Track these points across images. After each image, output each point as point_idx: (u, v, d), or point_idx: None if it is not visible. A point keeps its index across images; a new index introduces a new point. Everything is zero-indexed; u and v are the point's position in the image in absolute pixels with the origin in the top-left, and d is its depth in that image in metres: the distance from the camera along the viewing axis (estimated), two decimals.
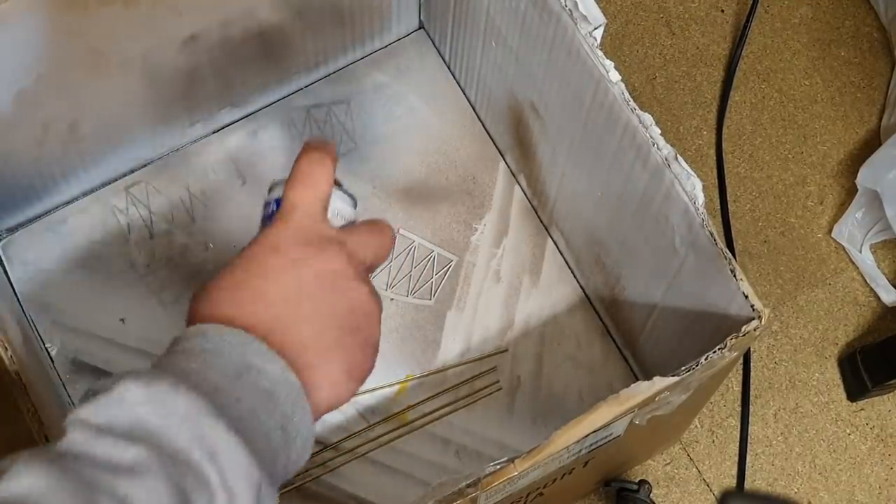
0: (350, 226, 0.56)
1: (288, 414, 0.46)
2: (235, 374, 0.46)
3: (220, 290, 0.49)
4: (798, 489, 0.90)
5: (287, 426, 0.46)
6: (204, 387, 0.44)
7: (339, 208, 0.55)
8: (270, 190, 0.56)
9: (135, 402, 0.43)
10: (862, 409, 0.93)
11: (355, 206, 0.57)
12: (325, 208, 0.53)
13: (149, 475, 0.41)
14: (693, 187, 0.64)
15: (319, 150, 0.54)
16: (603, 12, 0.75)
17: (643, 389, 0.59)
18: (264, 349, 0.46)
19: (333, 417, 0.81)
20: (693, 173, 0.65)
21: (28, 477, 0.39)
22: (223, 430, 0.43)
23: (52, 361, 0.81)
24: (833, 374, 0.94)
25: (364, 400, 0.82)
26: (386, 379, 0.83)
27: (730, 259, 0.63)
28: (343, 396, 0.50)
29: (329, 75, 0.92)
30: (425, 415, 0.82)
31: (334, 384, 0.49)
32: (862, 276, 0.97)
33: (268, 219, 0.55)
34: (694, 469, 0.90)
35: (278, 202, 0.54)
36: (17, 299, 0.83)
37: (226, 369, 0.46)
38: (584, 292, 0.86)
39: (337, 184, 0.55)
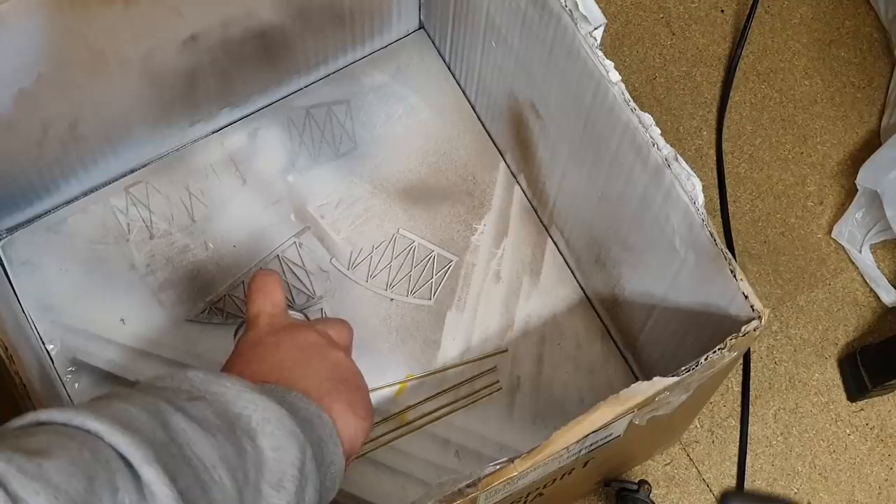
0: None
1: (324, 439, 0.54)
2: (277, 400, 0.52)
3: (234, 368, 0.58)
4: (798, 489, 0.90)
5: (323, 447, 0.53)
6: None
7: (296, 318, 0.66)
8: (238, 328, 0.70)
9: (198, 372, 0.51)
10: (862, 410, 0.93)
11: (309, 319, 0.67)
12: (285, 311, 0.63)
13: (204, 403, 0.49)
14: (693, 187, 0.64)
15: (269, 273, 0.64)
16: (603, 12, 0.75)
17: (643, 390, 0.59)
18: (301, 395, 0.55)
19: None
20: (693, 173, 0.65)
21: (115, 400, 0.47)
22: (272, 403, 0.51)
23: (52, 361, 0.81)
24: (833, 375, 0.94)
25: None
26: (386, 379, 0.83)
27: (730, 259, 0.63)
28: (350, 428, 0.57)
29: (329, 75, 0.92)
30: (425, 415, 0.82)
31: (343, 420, 0.56)
32: (862, 276, 0.97)
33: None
34: (694, 469, 0.90)
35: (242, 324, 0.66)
36: (17, 299, 0.83)
37: (269, 394, 0.53)
38: (584, 292, 0.86)
39: (289, 305, 0.65)
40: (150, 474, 0.43)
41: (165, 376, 0.52)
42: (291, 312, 0.66)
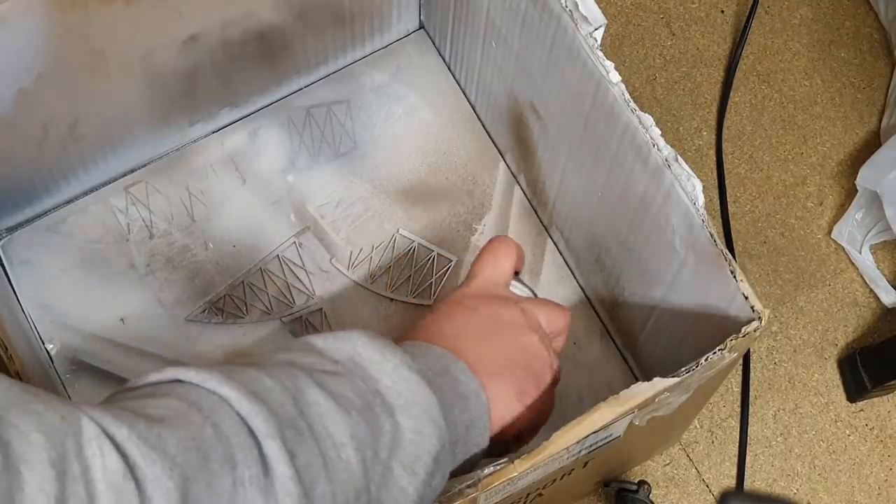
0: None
1: (474, 420, 0.53)
2: (437, 372, 0.53)
3: (418, 330, 0.58)
4: (797, 490, 0.90)
5: (470, 429, 0.53)
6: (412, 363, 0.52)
7: (520, 290, 0.65)
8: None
9: (359, 342, 0.51)
10: (861, 410, 0.93)
11: (535, 296, 0.65)
12: (506, 282, 0.62)
13: (344, 378, 0.48)
14: (693, 188, 0.64)
15: (506, 240, 0.64)
16: (603, 13, 0.75)
17: (643, 390, 0.59)
18: (466, 367, 0.54)
19: None
20: (693, 174, 0.65)
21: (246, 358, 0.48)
22: (424, 387, 0.50)
23: (52, 361, 0.81)
24: (833, 375, 0.94)
25: None
26: None
27: (730, 260, 0.63)
28: (507, 416, 0.56)
29: (329, 75, 0.92)
30: None
31: (502, 403, 0.56)
32: (862, 277, 0.97)
33: None
34: (693, 470, 0.90)
35: None
36: (17, 299, 0.83)
37: (431, 366, 0.53)
38: (584, 293, 0.86)
39: (517, 275, 0.64)
40: (272, 448, 0.43)
41: (310, 346, 0.51)
42: (516, 286, 0.64)
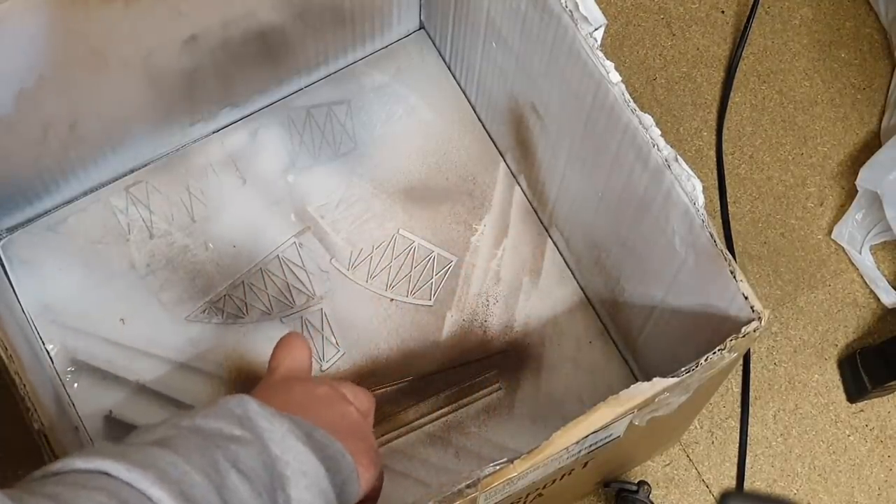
0: None
1: (347, 479, 0.54)
2: (307, 436, 0.53)
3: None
4: (797, 490, 0.90)
5: (344, 488, 0.54)
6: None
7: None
8: None
9: (250, 406, 0.52)
10: (861, 411, 0.93)
11: None
12: (306, 371, 0.63)
13: (252, 449, 0.50)
14: (693, 188, 0.64)
15: (299, 336, 0.64)
16: (603, 13, 0.75)
17: (643, 390, 0.59)
18: (323, 431, 0.55)
19: None
20: (693, 174, 0.65)
21: (161, 428, 0.49)
22: (311, 457, 0.52)
23: (52, 361, 0.81)
24: (833, 376, 0.94)
25: None
26: (386, 380, 0.83)
27: (730, 260, 0.63)
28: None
29: (329, 75, 0.92)
30: (425, 415, 0.82)
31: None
32: (862, 277, 0.97)
33: None
34: (693, 470, 0.90)
35: None
36: (17, 299, 0.83)
37: (301, 427, 0.54)
38: (584, 293, 0.86)
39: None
40: None
41: (213, 409, 0.52)
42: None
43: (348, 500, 0.55)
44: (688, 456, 0.90)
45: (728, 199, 0.99)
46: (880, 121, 1.03)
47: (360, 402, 0.62)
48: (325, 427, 0.56)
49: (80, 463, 0.46)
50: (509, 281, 0.86)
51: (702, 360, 0.60)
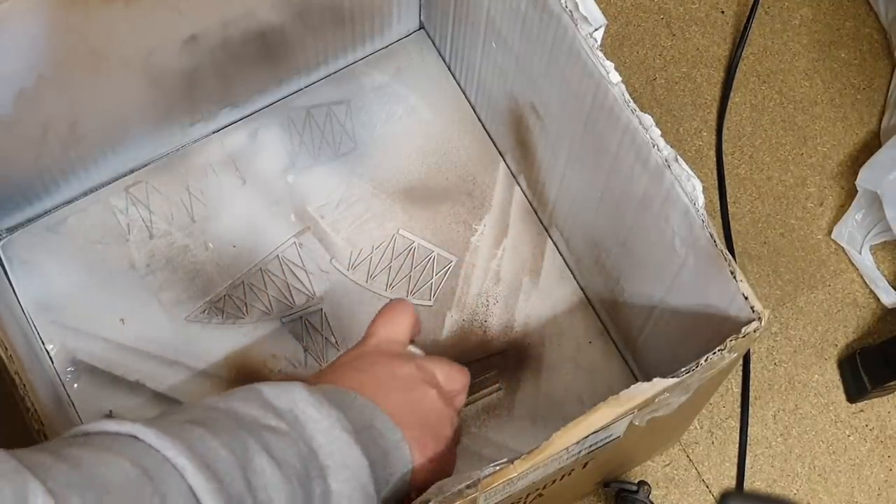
0: None
1: (395, 473, 0.55)
2: (364, 425, 0.54)
3: (325, 376, 0.59)
4: (797, 490, 0.90)
5: (390, 482, 0.54)
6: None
7: (414, 352, 0.65)
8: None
9: (299, 396, 0.52)
10: (861, 411, 0.93)
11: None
12: (402, 343, 0.63)
13: (287, 438, 0.50)
14: (693, 188, 0.64)
15: (405, 303, 0.65)
16: (603, 13, 0.75)
17: (643, 391, 0.59)
18: (389, 420, 0.55)
19: None
20: (693, 174, 0.65)
21: (196, 409, 0.50)
22: (356, 450, 0.52)
23: (52, 361, 0.81)
24: (833, 376, 0.94)
25: None
26: None
27: (730, 260, 0.63)
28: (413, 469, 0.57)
29: (329, 75, 0.92)
30: None
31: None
32: (862, 277, 0.97)
33: None
34: (693, 470, 0.90)
35: None
36: (17, 299, 0.83)
37: (357, 418, 0.54)
38: (584, 293, 0.86)
39: (412, 342, 0.65)
40: None
41: (252, 396, 0.52)
42: (412, 348, 0.65)
43: (397, 490, 0.54)
44: (688, 456, 0.90)
45: (728, 199, 0.99)
46: (880, 121, 1.03)
47: (452, 382, 0.62)
48: (393, 412, 0.56)
49: (111, 426, 0.47)
50: (509, 281, 0.86)
51: (702, 361, 0.60)
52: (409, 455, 0.55)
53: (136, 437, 0.46)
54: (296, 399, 0.52)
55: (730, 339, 0.60)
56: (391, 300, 0.65)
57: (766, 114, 1.03)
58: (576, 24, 0.69)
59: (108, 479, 0.43)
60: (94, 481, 0.42)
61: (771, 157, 1.02)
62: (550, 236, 0.88)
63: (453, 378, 0.63)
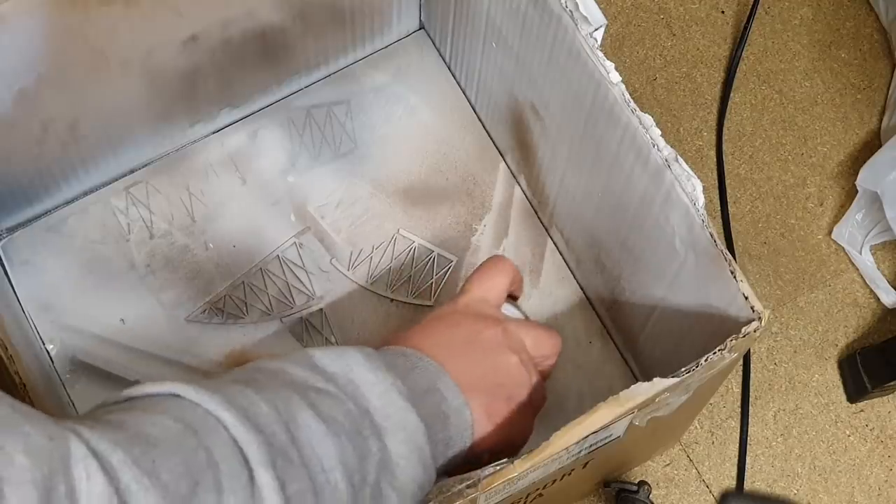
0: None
1: (454, 437, 0.54)
2: (425, 389, 0.54)
3: (401, 339, 0.59)
4: (797, 490, 0.90)
5: (449, 446, 0.54)
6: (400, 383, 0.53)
7: (510, 313, 0.64)
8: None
9: (353, 360, 0.52)
10: (862, 411, 0.93)
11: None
12: (497, 302, 0.62)
13: (335, 399, 0.49)
14: (693, 188, 0.64)
15: (505, 261, 0.64)
16: (603, 13, 0.75)
17: (643, 391, 0.59)
18: (453, 384, 0.55)
19: None
20: (693, 174, 0.65)
21: (243, 371, 0.51)
22: (412, 414, 0.52)
23: (52, 361, 0.81)
24: (833, 376, 0.94)
25: None
26: None
27: (730, 260, 0.63)
28: (478, 432, 0.56)
29: (329, 76, 0.92)
30: None
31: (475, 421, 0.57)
32: (862, 277, 0.97)
33: None
34: (694, 470, 0.90)
35: None
36: (17, 299, 0.83)
37: (419, 381, 0.54)
38: (584, 293, 0.86)
39: (513, 298, 0.64)
40: (264, 477, 0.44)
41: (307, 358, 0.51)
42: (508, 308, 0.63)
43: (456, 454, 0.54)
44: (688, 456, 0.90)
45: (728, 199, 0.99)
46: (880, 121, 1.03)
47: (540, 347, 0.62)
48: (463, 375, 0.55)
49: (151, 388, 0.47)
50: None
51: (702, 361, 0.60)
52: (471, 419, 0.55)
53: (176, 395, 0.46)
54: (350, 363, 0.52)
55: (730, 339, 0.60)
56: (491, 258, 0.64)
57: (766, 114, 1.03)
58: (576, 24, 0.69)
59: (153, 435, 0.43)
60: (138, 439, 0.42)
61: (771, 157, 1.02)
62: (550, 236, 0.88)
63: (542, 343, 0.62)
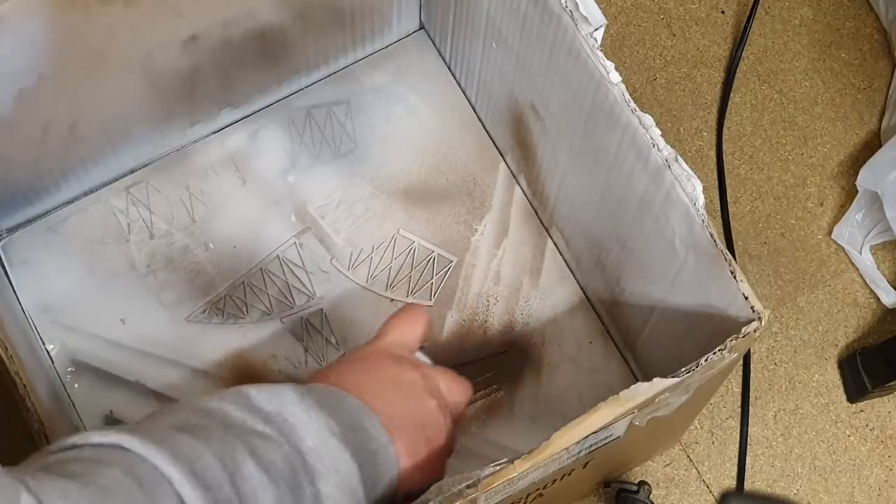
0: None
1: (382, 475, 0.55)
2: (351, 426, 0.54)
3: (322, 377, 0.59)
4: (798, 490, 0.90)
5: (377, 485, 0.54)
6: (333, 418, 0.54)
7: (421, 359, 0.65)
8: None
9: (288, 400, 0.52)
10: (862, 411, 0.93)
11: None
12: (412, 349, 0.63)
13: (274, 444, 0.50)
14: (693, 188, 0.64)
15: (420, 310, 0.65)
16: (603, 13, 0.75)
17: (643, 391, 0.59)
18: (378, 422, 0.55)
19: None
20: (693, 174, 0.65)
21: (181, 412, 0.50)
22: (345, 455, 0.52)
23: (52, 361, 0.81)
24: (833, 376, 0.94)
25: None
26: None
27: (730, 260, 0.63)
28: (401, 472, 0.57)
29: (329, 76, 0.92)
30: None
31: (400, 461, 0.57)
32: (862, 277, 0.97)
33: None
34: (694, 470, 0.90)
35: None
36: (17, 299, 0.83)
37: (345, 419, 0.54)
38: (585, 293, 0.86)
39: (422, 349, 0.65)
40: None
41: (241, 399, 0.52)
42: (420, 355, 0.65)
43: (384, 493, 0.55)
44: (688, 456, 0.90)
45: (728, 199, 0.99)
46: (880, 121, 1.03)
47: (453, 395, 0.62)
48: (389, 415, 0.56)
49: (96, 437, 0.46)
50: (509, 281, 0.86)
51: (702, 361, 0.60)
52: (396, 458, 0.55)
53: (122, 447, 0.46)
54: (285, 402, 0.52)
55: (730, 339, 0.60)
56: (406, 306, 0.66)
57: (766, 114, 1.03)
58: (576, 24, 0.69)
59: (102, 487, 0.43)
60: (87, 490, 0.42)
61: (771, 157, 1.02)
62: (551, 236, 0.88)
63: (455, 389, 0.63)
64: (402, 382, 0.60)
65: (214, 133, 0.90)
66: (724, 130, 1.02)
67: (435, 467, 0.59)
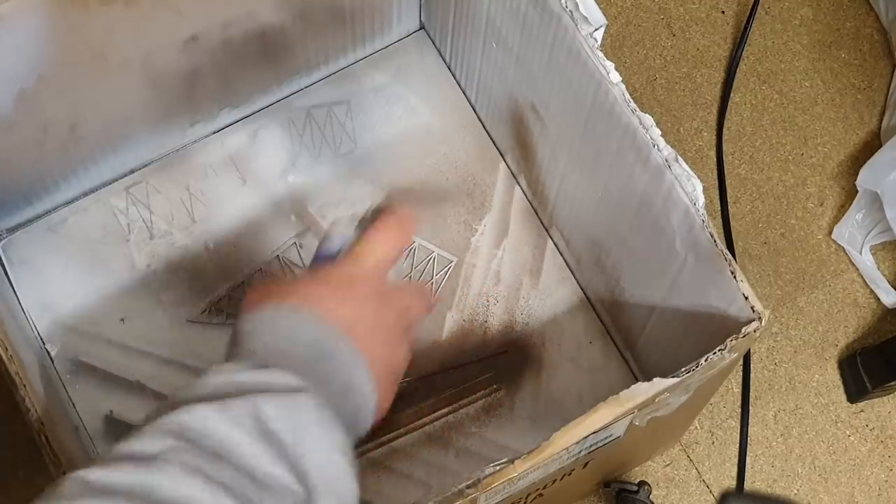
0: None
1: (361, 426, 0.54)
2: (339, 389, 0.53)
3: (315, 294, 0.56)
4: (798, 490, 0.90)
5: (357, 413, 0.54)
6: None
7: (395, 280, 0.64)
8: (326, 238, 0.62)
9: (307, 419, 0.50)
10: (862, 411, 0.93)
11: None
12: (394, 260, 0.61)
13: (277, 496, 0.47)
14: (693, 188, 0.64)
15: (408, 210, 0.62)
16: (603, 13, 0.75)
17: (643, 391, 0.59)
18: (367, 377, 0.54)
19: None
20: (693, 174, 0.65)
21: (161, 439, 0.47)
22: (348, 472, 0.51)
23: (52, 361, 0.81)
24: (833, 376, 0.94)
25: None
26: None
27: (730, 260, 0.63)
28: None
29: (329, 76, 0.92)
30: (425, 415, 0.82)
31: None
32: (862, 277, 0.97)
33: (323, 257, 0.62)
34: (694, 470, 0.90)
35: (338, 252, 0.62)
36: (18, 299, 0.83)
37: (334, 379, 0.53)
38: (585, 293, 0.86)
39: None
40: None
41: (253, 420, 0.48)
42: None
43: (360, 432, 0.55)
44: (688, 456, 0.90)
45: (728, 199, 0.99)
46: (880, 121, 1.03)
47: (415, 311, 0.61)
48: (372, 360, 0.54)
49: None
50: (509, 281, 0.86)
51: (702, 361, 0.60)
52: (374, 409, 0.54)
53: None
54: (303, 420, 0.49)
55: (730, 339, 0.60)
56: (391, 207, 0.61)
57: (766, 114, 1.03)
58: (576, 24, 0.69)
59: None
60: None
61: (771, 157, 1.02)
62: (550, 236, 0.88)
63: (417, 305, 0.61)
64: (383, 322, 0.57)
65: (214, 133, 0.90)
66: (724, 130, 1.02)
67: (391, 396, 0.58)
